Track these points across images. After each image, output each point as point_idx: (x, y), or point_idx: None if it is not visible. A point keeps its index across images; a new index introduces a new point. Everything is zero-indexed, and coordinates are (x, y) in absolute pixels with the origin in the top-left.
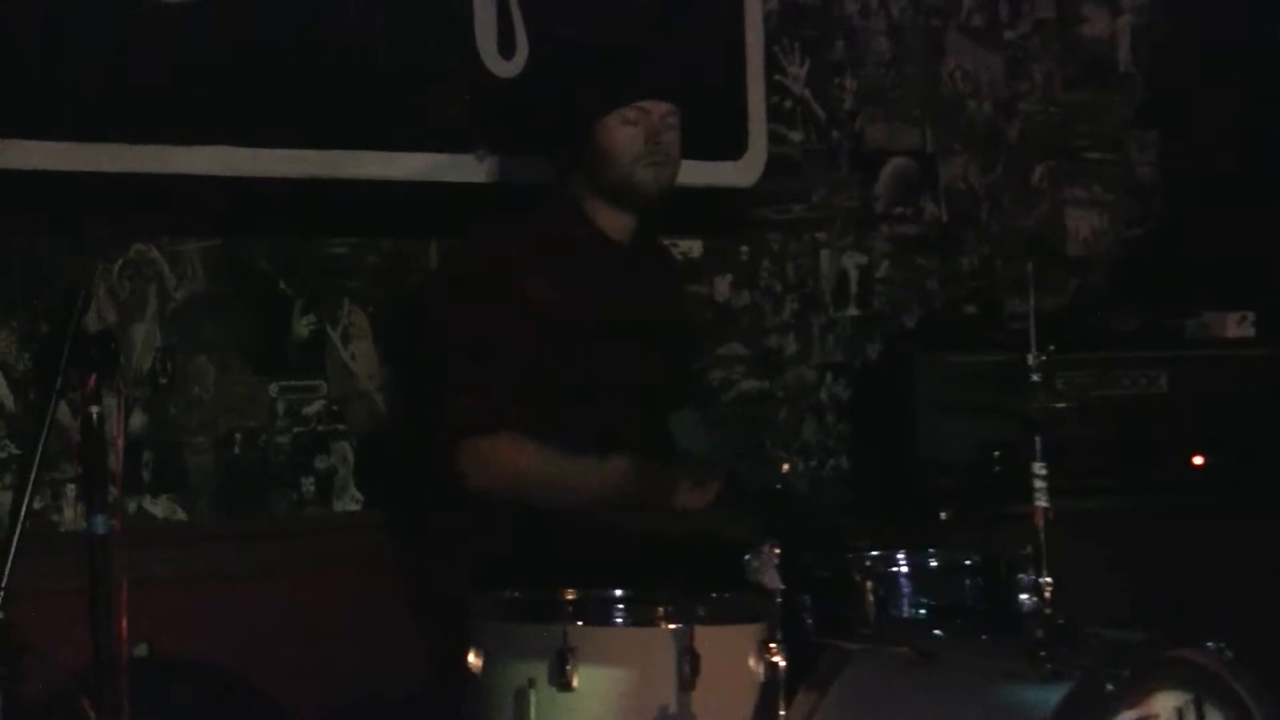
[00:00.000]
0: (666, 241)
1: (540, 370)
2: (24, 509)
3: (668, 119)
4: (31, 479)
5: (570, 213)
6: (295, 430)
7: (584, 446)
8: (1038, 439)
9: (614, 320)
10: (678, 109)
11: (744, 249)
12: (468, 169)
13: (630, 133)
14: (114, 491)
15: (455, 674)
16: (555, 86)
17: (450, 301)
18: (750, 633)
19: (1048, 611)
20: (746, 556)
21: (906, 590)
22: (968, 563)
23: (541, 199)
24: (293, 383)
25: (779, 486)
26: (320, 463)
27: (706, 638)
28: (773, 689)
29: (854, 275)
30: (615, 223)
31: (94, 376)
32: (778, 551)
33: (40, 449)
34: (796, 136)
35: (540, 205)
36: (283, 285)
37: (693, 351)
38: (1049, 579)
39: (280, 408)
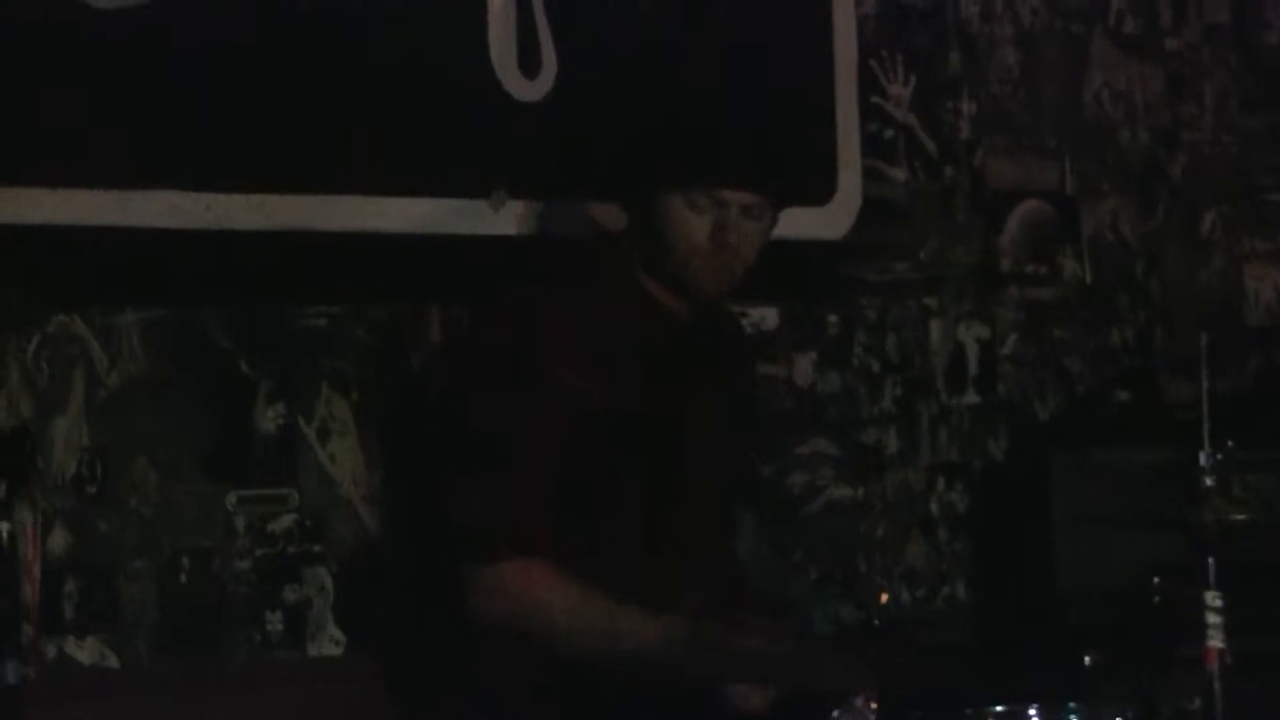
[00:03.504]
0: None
1: (575, 473)
2: None
3: (751, 211)
4: None
5: (621, 280)
6: (259, 552)
7: (627, 564)
8: (1211, 560)
9: (668, 412)
10: (766, 199)
11: (833, 319)
12: (480, 217)
13: (694, 222)
14: (28, 631)
15: None
16: (609, 127)
17: (463, 385)
18: None
19: None
20: (836, 712)
21: None
22: None
23: (585, 260)
24: (256, 492)
25: (876, 623)
26: (291, 594)
27: None
28: None
29: (973, 352)
30: (669, 295)
31: (3, 485)
32: (874, 706)
33: None
34: (899, 175)
35: (583, 268)
36: (244, 367)
37: (761, 449)
38: None
39: (240, 524)
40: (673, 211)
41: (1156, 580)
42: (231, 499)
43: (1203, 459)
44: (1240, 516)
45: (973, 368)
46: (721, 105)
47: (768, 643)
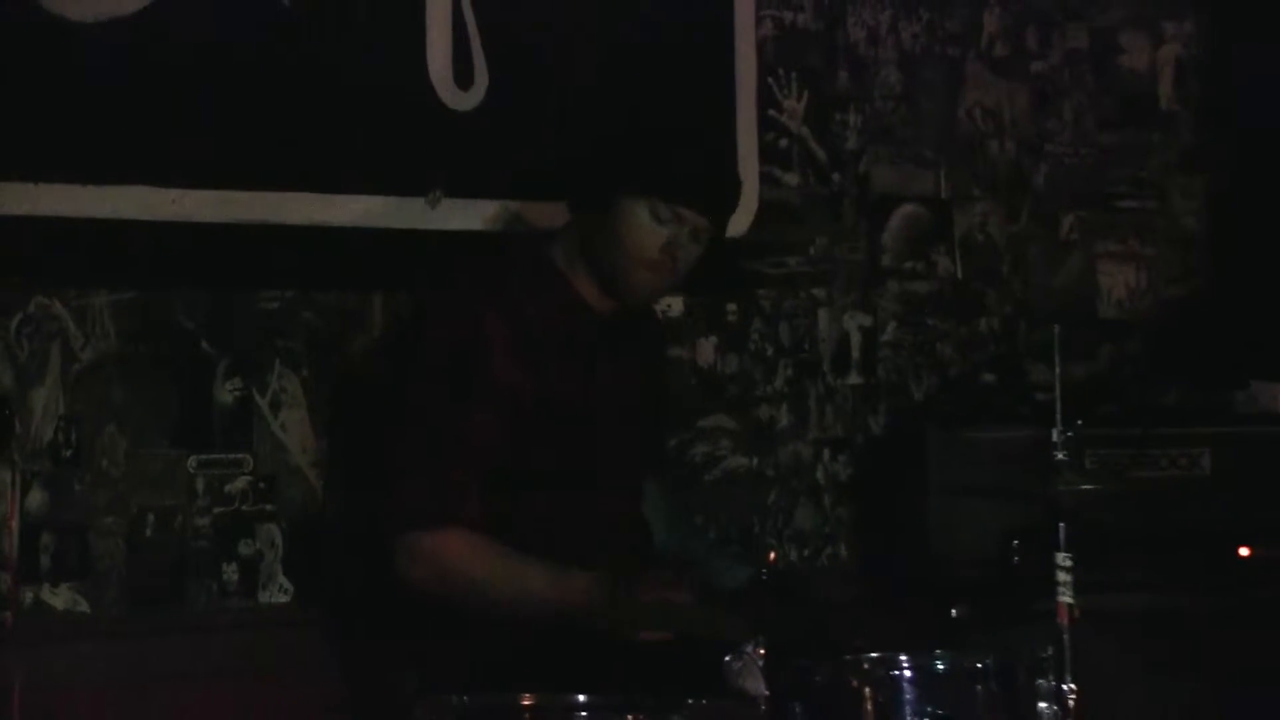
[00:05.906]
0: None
1: (506, 460)
2: None
3: (698, 235)
4: None
5: (546, 275)
6: (217, 510)
7: (551, 537)
8: (1062, 526)
9: (590, 401)
10: (715, 229)
11: (731, 307)
12: (418, 214)
13: (652, 232)
14: (7, 580)
15: None
16: (533, 134)
17: (408, 381)
18: None
19: None
20: (727, 658)
21: (910, 697)
22: (980, 666)
23: (512, 254)
24: (215, 456)
25: (765, 577)
26: (245, 548)
27: None
28: None
29: (857, 338)
30: (597, 293)
31: None
32: (763, 652)
33: None
34: (793, 180)
35: (510, 262)
36: (205, 345)
37: (668, 426)
38: (1073, 686)
39: (200, 485)
40: (633, 217)
41: (1016, 544)
42: (192, 463)
43: (1055, 436)
44: (1088, 487)
45: (856, 352)
46: (639, 118)
47: (668, 594)
